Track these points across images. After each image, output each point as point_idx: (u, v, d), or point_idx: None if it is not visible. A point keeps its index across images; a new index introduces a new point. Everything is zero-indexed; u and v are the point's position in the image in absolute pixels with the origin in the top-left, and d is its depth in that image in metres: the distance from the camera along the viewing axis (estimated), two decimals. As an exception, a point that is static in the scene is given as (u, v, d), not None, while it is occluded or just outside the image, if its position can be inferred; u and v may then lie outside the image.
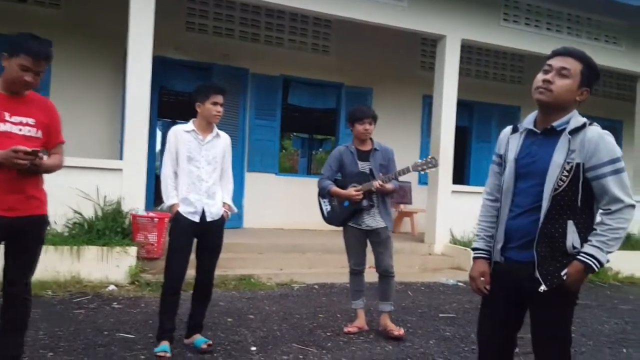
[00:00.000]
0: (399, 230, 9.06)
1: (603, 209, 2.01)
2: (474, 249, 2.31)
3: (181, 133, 3.54)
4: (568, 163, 1.99)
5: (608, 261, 2.00)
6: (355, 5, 6.98)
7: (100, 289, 5.09)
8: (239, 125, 8.34)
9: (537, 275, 2.02)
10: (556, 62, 2.06)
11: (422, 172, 4.09)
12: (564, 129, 2.05)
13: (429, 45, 9.44)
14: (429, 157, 4.09)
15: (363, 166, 4.14)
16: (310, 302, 5.12)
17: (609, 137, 2.02)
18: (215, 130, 3.64)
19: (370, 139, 4.21)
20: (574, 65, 2.05)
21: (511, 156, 2.15)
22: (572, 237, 2.00)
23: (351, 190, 4.07)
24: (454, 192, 7.51)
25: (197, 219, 3.50)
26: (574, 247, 2.00)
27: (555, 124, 2.07)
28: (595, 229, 2.00)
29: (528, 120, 2.18)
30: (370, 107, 4.30)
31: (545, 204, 2.01)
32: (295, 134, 20.97)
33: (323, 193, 4.29)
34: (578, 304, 2.15)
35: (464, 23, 7.65)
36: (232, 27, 8.34)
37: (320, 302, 5.19)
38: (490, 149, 10.12)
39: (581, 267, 1.97)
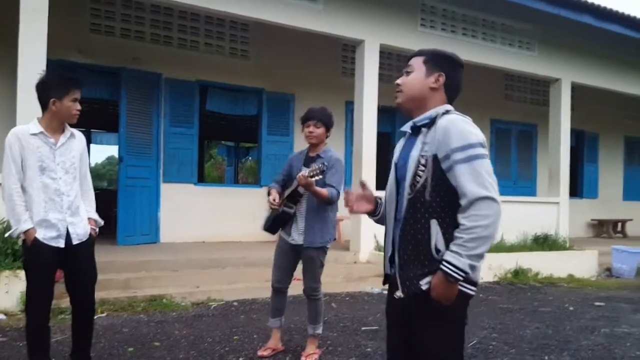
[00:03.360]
0: (325, 239, 8.86)
1: (460, 206, 1.77)
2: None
3: (26, 137, 2.87)
4: (422, 156, 1.84)
5: (473, 267, 1.75)
6: (268, 7, 6.70)
7: (-14, 320, 4.50)
8: (153, 133, 7.85)
9: (397, 279, 1.85)
10: (404, 68, 2.05)
11: (313, 178, 3.63)
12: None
13: (350, 51, 9.35)
14: (323, 163, 3.55)
15: (304, 171, 3.81)
16: (227, 323, 4.76)
17: (462, 123, 1.82)
18: (69, 129, 3.03)
19: (326, 144, 3.87)
20: (415, 61, 2.01)
21: (394, 161, 2.06)
22: (435, 238, 1.80)
23: (270, 197, 3.75)
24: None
25: (61, 243, 2.91)
26: (437, 250, 1.79)
27: (416, 120, 1.97)
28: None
29: (408, 124, 2.06)
30: (325, 110, 3.81)
31: (404, 202, 1.87)
32: (222, 142, 20.41)
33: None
34: (467, 323, 1.88)
35: (382, 28, 7.58)
36: (142, 30, 7.85)
37: (238, 321, 4.84)
38: (413, 154, 10.16)
39: (441, 277, 1.74)
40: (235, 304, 5.53)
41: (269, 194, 3.89)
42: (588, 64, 9.77)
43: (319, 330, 3.87)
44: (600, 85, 10.09)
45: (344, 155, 9.32)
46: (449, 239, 1.79)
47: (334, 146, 9.28)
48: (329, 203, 3.71)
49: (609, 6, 8.73)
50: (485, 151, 1.80)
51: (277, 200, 3.72)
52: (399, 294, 1.84)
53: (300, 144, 8.61)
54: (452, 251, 1.75)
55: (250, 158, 21.00)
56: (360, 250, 7.26)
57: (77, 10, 7.22)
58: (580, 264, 8.39)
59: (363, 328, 4.68)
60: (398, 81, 2.04)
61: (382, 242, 7.12)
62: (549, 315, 5.42)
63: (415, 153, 1.87)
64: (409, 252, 1.85)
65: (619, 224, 12.71)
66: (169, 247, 7.54)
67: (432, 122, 1.89)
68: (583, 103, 11.33)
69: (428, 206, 1.82)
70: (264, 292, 5.85)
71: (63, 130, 3.00)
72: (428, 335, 1.83)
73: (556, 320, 5.17)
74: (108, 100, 9.22)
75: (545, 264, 7.93)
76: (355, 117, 7.61)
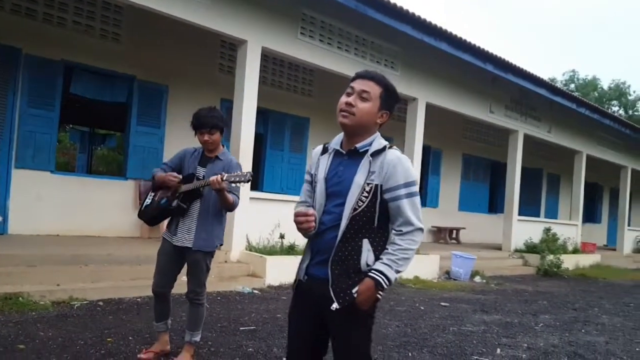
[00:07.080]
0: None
1: (395, 230, 2.08)
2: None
3: None
4: (368, 184, 2.05)
5: (396, 279, 2.08)
6: (153, -7, 6.43)
7: None
8: (6, 113, 7.08)
9: (331, 293, 2.04)
10: (358, 85, 2.11)
11: (234, 185, 3.65)
12: (367, 151, 2.11)
13: (228, 49, 9.33)
14: (246, 171, 3.54)
15: (200, 171, 3.69)
16: (95, 324, 4.53)
17: (406, 162, 2.10)
18: None
19: (224, 145, 3.81)
20: (373, 89, 2.10)
21: (321, 175, 2.17)
22: (366, 255, 2.06)
23: (171, 175, 3.60)
24: (251, 198, 7.49)
25: None
26: (367, 265, 2.05)
27: (358, 145, 2.13)
28: (387, 248, 2.06)
29: (335, 141, 2.22)
30: (215, 112, 3.67)
31: (343, 223, 2.05)
32: (72, 125, 18.65)
33: (152, 182, 3.76)
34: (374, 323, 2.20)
35: (265, 31, 7.71)
36: (1, -3, 7.05)
37: (107, 322, 4.62)
38: (282, 157, 10.45)
39: (371, 284, 2.01)
40: (100, 303, 5.27)
41: (154, 176, 3.73)
42: (440, 86, 10.90)
43: (197, 338, 3.76)
44: (449, 107, 11.30)
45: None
46: (377, 255, 2.07)
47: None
48: (230, 209, 3.67)
49: (463, 36, 9.87)
50: (417, 188, 2.13)
51: (175, 179, 3.59)
52: (335, 306, 2.03)
53: (172, 137, 8.34)
54: (384, 264, 2.03)
55: (103, 145, 19.58)
56: (232, 250, 7.30)
57: None
58: (425, 267, 9.32)
59: (241, 328, 4.78)
60: (351, 101, 2.09)
61: (253, 242, 7.29)
62: (405, 314, 6.01)
63: (360, 179, 2.07)
64: (340, 267, 2.07)
65: (454, 231, 14.30)
66: (20, 239, 6.86)
67: (377, 152, 2.10)
68: (431, 121, 12.54)
69: (362, 227, 2.07)
70: (132, 291, 5.67)
71: None
72: (353, 335, 2.09)
73: (412, 319, 5.76)
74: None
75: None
76: (234, 116, 7.62)
